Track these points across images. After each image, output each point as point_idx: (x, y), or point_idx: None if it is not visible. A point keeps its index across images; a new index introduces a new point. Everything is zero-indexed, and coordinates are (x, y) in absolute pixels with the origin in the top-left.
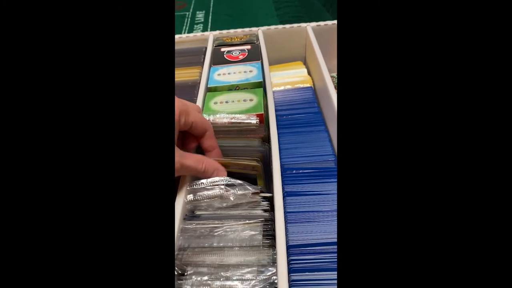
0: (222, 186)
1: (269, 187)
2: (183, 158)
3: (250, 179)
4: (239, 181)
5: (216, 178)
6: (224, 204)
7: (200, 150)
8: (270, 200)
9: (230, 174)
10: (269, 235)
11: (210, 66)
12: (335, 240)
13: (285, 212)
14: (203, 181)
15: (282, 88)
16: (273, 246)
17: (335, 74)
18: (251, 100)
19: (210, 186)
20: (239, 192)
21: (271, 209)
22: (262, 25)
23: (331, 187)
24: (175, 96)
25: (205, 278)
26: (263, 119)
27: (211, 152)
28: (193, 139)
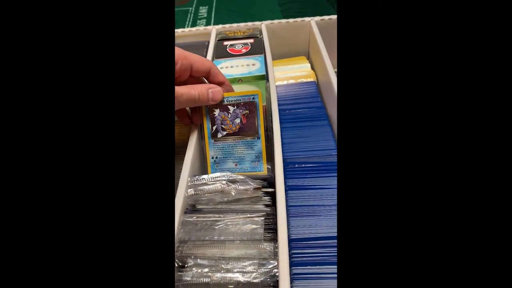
0: (224, 181)
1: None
2: (175, 89)
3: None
4: (241, 177)
5: (218, 174)
6: (225, 199)
7: None
8: (272, 195)
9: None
10: (271, 228)
11: (212, 60)
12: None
13: (287, 206)
14: (204, 176)
15: (285, 82)
16: (274, 239)
17: None
18: None
19: (211, 181)
20: (241, 187)
21: (273, 203)
22: (265, 20)
23: (334, 181)
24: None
25: (206, 270)
26: (266, 111)
27: (222, 87)
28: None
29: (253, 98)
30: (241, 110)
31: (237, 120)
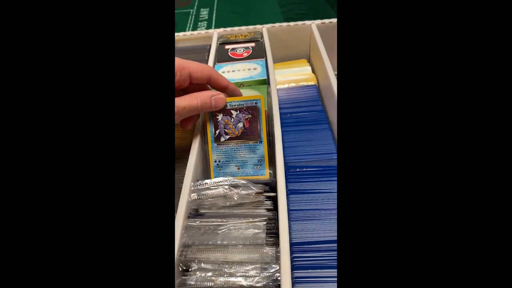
0: (226, 186)
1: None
2: (177, 102)
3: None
4: (243, 181)
5: (220, 178)
6: (228, 203)
7: None
8: (274, 199)
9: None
10: (273, 233)
11: (214, 64)
12: None
13: (289, 210)
14: (207, 181)
15: (286, 86)
16: (276, 244)
17: None
18: None
19: (214, 186)
20: (243, 192)
21: (275, 208)
22: (266, 23)
23: (335, 185)
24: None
25: (209, 274)
26: (267, 116)
27: (226, 91)
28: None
29: (255, 103)
30: (243, 115)
31: (240, 125)
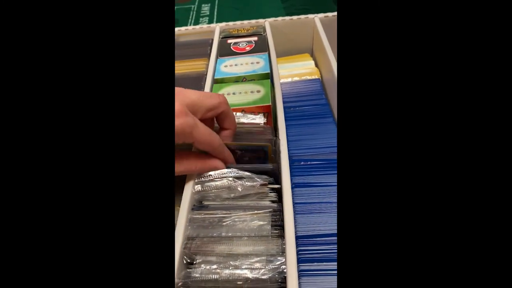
0: (230, 178)
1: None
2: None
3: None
4: (247, 173)
5: (224, 170)
6: (232, 195)
7: None
8: (278, 192)
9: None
10: (278, 225)
11: (216, 58)
12: None
13: (294, 203)
14: (212, 173)
15: (289, 80)
16: (281, 236)
17: None
18: (258, 91)
19: (219, 178)
20: (247, 184)
21: (279, 200)
22: (268, 18)
23: None
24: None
25: (214, 266)
26: (271, 111)
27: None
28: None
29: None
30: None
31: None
